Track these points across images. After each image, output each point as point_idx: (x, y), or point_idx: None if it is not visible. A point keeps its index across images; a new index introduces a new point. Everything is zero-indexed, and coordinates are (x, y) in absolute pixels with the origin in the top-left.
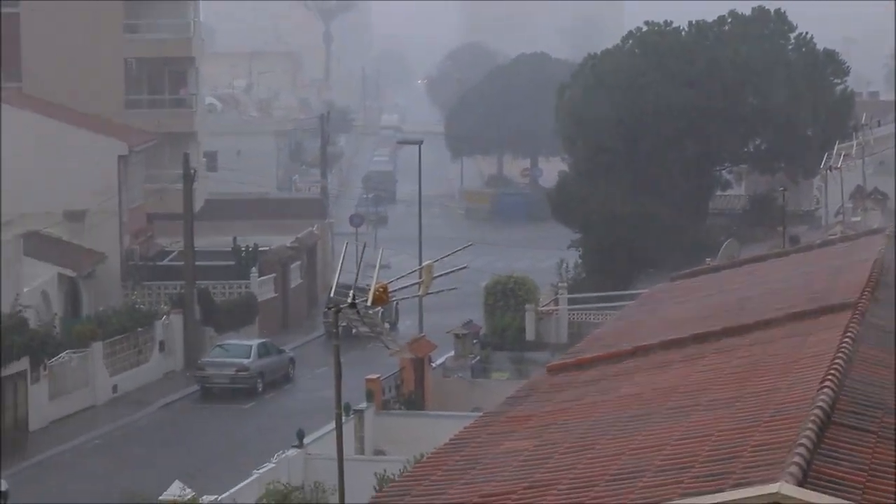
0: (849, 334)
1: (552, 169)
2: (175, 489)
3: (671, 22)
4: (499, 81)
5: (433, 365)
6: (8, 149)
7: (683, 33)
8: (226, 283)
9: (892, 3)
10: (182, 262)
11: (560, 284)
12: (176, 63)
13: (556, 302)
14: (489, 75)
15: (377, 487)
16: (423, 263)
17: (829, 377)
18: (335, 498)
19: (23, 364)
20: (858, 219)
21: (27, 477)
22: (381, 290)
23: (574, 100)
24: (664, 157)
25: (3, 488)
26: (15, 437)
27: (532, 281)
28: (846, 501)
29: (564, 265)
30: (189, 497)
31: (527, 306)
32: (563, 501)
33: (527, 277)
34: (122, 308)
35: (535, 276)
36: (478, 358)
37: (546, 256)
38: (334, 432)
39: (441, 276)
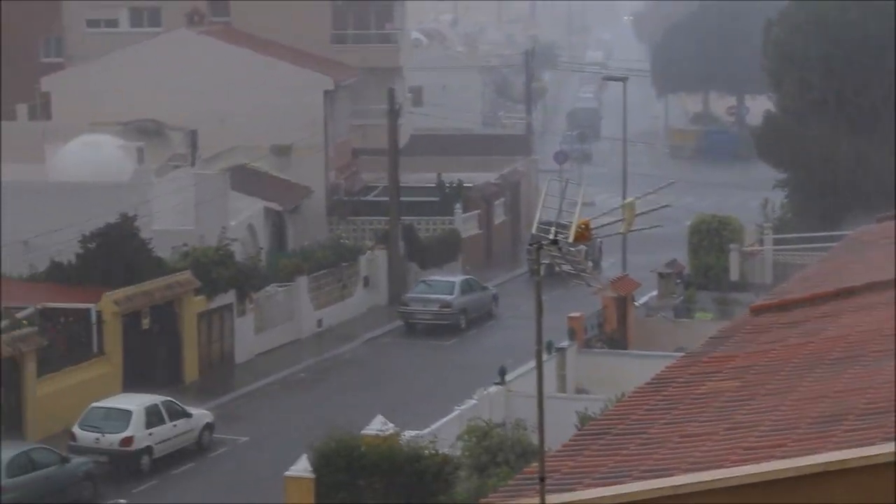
0: None
1: (758, 107)
2: (377, 424)
3: None
4: (706, 18)
5: (636, 304)
6: (217, 82)
7: None
8: (430, 220)
9: None
10: (386, 198)
11: (765, 224)
12: None
13: (760, 242)
14: (696, 11)
15: (578, 425)
16: (626, 201)
17: None
18: (536, 436)
19: (229, 297)
20: None
21: (233, 409)
22: (583, 227)
23: (782, 37)
24: (873, 97)
25: (209, 420)
26: (221, 370)
27: (737, 220)
28: None
29: (770, 205)
30: (391, 431)
31: (731, 246)
32: (764, 443)
33: (731, 217)
34: (327, 242)
35: (739, 215)
36: (681, 298)
37: (751, 196)
38: (535, 370)
39: (644, 214)
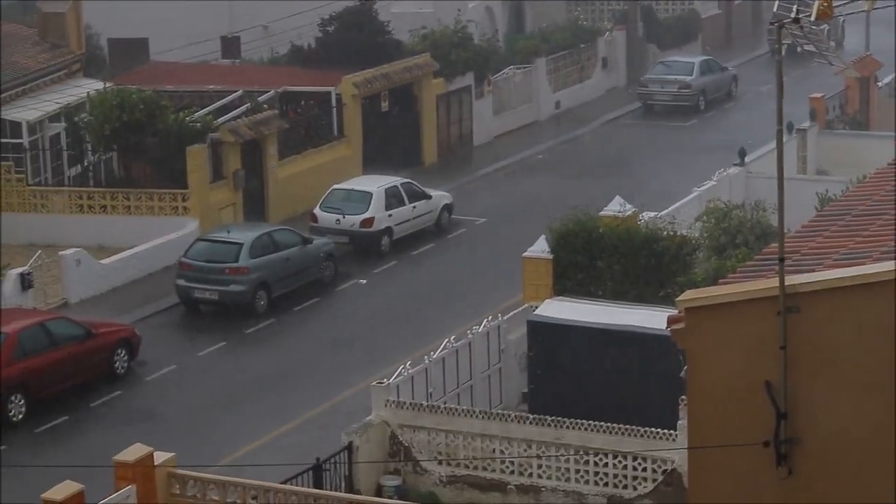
0: None
1: None
2: (615, 205)
3: None
4: None
5: (879, 84)
6: None
7: None
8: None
9: None
10: None
11: None
12: None
13: None
14: None
15: (818, 207)
16: None
17: None
18: (775, 217)
19: (467, 79)
20: None
21: (471, 190)
22: (825, 4)
23: None
24: None
25: (447, 201)
26: (460, 152)
27: None
28: None
29: None
30: (629, 213)
31: None
32: None
33: None
34: (566, 24)
35: None
36: None
37: None
38: (776, 151)
39: None
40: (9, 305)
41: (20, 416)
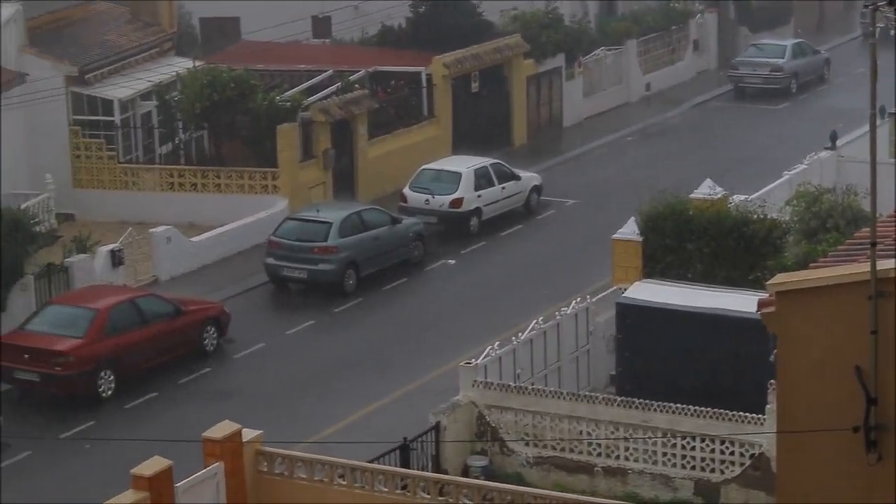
0: None
1: None
2: (705, 188)
3: None
4: None
5: None
6: None
7: None
8: None
9: None
10: None
11: None
12: None
13: None
14: None
15: None
16: None
17: None
18: (866, 201)
19: (558, 61)
20: None
21: (560, 172)
22: None
23: None
24: None
25: (537, 183)
26: (549, 133)
27: None
28: None
29: None
30: (719, 195)
31: None
32: None
33: None
34: (657, 6)
35: None
36: None
37: None
38: (868, 135)
39: None
40: (99, 282)
41: (110, 392)
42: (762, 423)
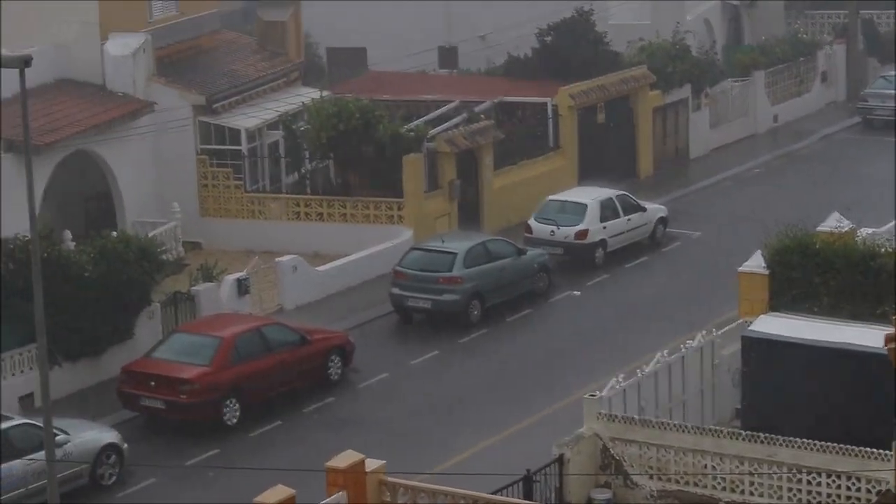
0: None
1: None
2: (832, 221)
3: None
4: None
5: None
6: None
7: None
8: (891, 13)
9: None
10: None
11: None
12: None
13: None
14: None
15: None
16: None
17: None
18: None
19: (685, 92)
20: None
21: (687, 204)
22: None
23: None
24: None
25: (663, 214)
26: (676, 165)
27: None
28: None
29: None
30: (846, 228)
31: None
32: None
33: None
34: (785, 37)
35: None
36: None
37: None
38: None
39: None
40: (225, 310)
41: (234, 420)
42: (889, 460)
